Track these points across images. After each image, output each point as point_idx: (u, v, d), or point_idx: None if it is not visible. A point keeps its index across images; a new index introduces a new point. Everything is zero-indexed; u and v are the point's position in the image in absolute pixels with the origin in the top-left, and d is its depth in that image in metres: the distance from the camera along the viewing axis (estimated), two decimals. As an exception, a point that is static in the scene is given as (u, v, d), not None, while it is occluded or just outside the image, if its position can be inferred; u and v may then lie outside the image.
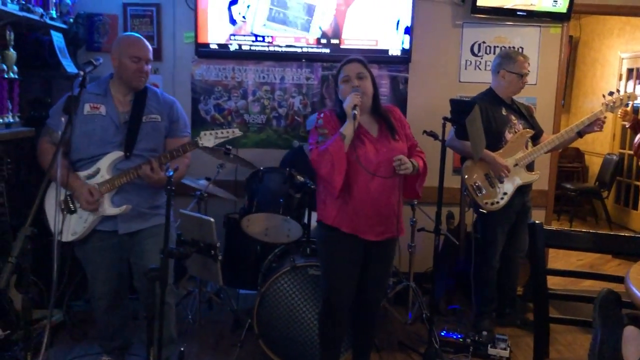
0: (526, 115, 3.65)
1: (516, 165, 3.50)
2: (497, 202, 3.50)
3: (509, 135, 3.53)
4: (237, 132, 2.61)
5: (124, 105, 2.73)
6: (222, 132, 2.59)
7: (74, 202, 2.66)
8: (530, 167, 3.58)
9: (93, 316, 2.99)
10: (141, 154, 2.68)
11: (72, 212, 2.66)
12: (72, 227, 2.66)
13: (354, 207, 2.63)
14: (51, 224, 2.54)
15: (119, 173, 2.63)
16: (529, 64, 3.57)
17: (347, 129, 2.50)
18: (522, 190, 3.58)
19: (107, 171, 2.64)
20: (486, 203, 3.51)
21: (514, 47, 4.31)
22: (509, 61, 3.53)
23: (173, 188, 2.02)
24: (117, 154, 2.65)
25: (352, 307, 2.86)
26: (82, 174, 2.67)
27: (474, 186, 3.51)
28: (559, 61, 4.40)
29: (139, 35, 2.80)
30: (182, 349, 3.28)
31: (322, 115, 2.71)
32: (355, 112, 2.46)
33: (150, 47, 2.75)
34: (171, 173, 2.08)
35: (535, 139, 3.65)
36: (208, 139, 2.59)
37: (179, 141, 2.77)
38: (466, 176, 3.52)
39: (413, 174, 2.64)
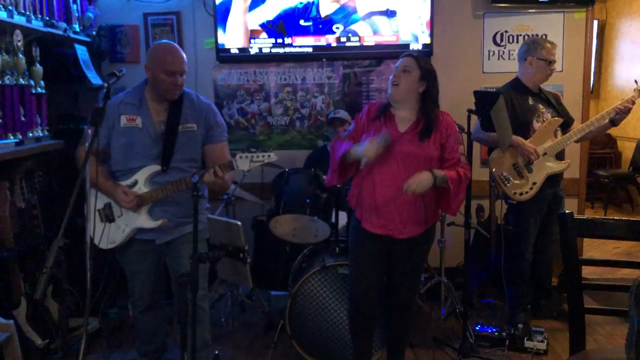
0: (554, 103, 3.57)
1: (545, 154, 3.44)
2: (526, 192, 3.45)
3: (537, 125, 3.47)
4: (273, 157, 2.59)
5: (159, 114, 2.72)
6: (257, 156, 2.56)
7: (113, 211, 2.72)
8: (560, 156, 3.51)
9: (129, 321, 3.10)
10: (178, 166, 2.70)
11: (111, 220, 2.72)
12: (111, 236, 2.72)
13: (368, 197, 2.65)
14: (89, 227, 2.58)
15: (156, 187, 2.66)
16: (556, 51, 3.50)
17: (354, 157, 2.57)
18: (553, 180, 3.51)
19: (145, 184, 2.67)
20: (515, 193, 3.46)
21: (538, 35, 4.24)
22: (536, 47, 3.47)
23: (199, 194, 2.04)
24: (154, 167, 2.67)
25: (384, 305, 2.86)
26: (121, 184, 2.71)
27: (502, 177, 3.46)
28: (585, 46, 4.31)
29: (173, 45, 2.74)
30: (216, 352, 3.30)
31: (366, 106, 2.75)
32: (365, 160, 2.48)
33: (184, 57, 2.70)
34: (196, 179, 2.10)
35: (565, 127, 3.58)
36: (244, 162, 2.56)
37: (217, 147, 2.79)
38: (494, 167, 3.48)
39: (442, 186, 2.56)
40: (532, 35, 4.24)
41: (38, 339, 2.94)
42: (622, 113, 3.41)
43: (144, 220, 2.69)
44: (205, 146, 2.80)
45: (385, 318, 2.95)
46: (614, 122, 3.44)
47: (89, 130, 2.11)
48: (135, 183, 2.67)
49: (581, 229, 1.82)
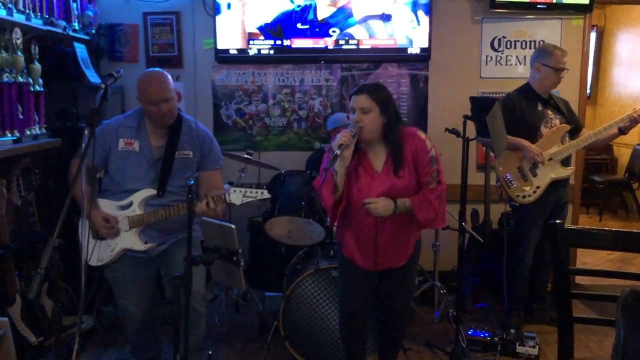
0: (564, 110, 3.60)
1: (550, 159, 3.48)
2: (529, 196, 3.49)
3: (544, 130, 3.51)
4: (266, 195, 2.60)
5: (157, 139, 2.76)
6: (250, 192, 2.57)
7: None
8: (565, 162, 3.54)
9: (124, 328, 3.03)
10: (173, 190, 2.74)
11: (101, 238, 2.74)
12: (100, 254, 2.75)
13: (348, 234, 2.69)
14: (83, 250, 2.58)
15: (150, 209, 2.70)
16: (566, 59, 3.49)
17: (338, 167, 2.50)
18: (558, 185, 3.55)
19: (139, 206, 2.71)
20: (518, 196, 3.51)
21: (535, 41, 4.27)
22: (545, 54, 3.50)
23: (194, 196, 2.05)
24: (150, 191, 2.71)
25: (377, 313, 2.88)
26: (117, 203, 2.74)
27: (506, 179, 3.51)
28: (582, 53, 4.33)
29: (156, 73, 2.72)
30: (209, 352, 3.32)
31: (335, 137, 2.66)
32: (338, 151, 2.43)
33: (167, 83, 2.66)
34: (192, 182, 2.12)
35: (574, 134, 3.61)
36: (237, 196, 2.57)
37: (210, 175, 2.84)
38: (500, 168, 3.53)
39: (404, 213, 2.55)
40: (531, 41, 4.28)
41: (32, 337, 2.95)
42: (634, 122, 3.43)
43: (133, 242, 2.73)
44: (200, 172, 2.82)
45: (378, 323, 2.97)
46: (622, 131, 3.46)
47: (86, 131, 2.11)
48: (130, 204, 2.71)
49: (571, 239, 1.84)
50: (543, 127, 3.50)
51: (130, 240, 2.73)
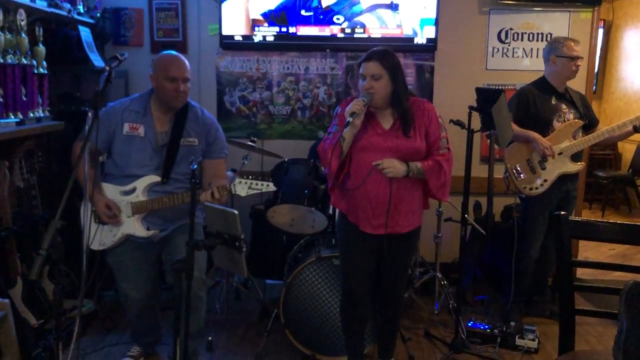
0: (580, 104, 3.57)
1: (561, 154, 3.46)
2: (537, 188, 3.49)
3: (557, 124, 3.49)
4: (272, 187, 2.66)
5: (163, 125, 2.75)
6: (256, 184, 2.61)
7: None
8: (576, 157, 3.52)
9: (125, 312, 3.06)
10: (177, 178, 2.73)
11: (104, 223, 2.74)
12: (102, 238, 2.74)
13: (355, 196, 2.65)
14: (84, 233, 2.60)
15: (154, 196, 2.70)
16: (579, 48, 3.48)
17: (347, 133, 2.52)
18: (566, 179, 3.53)
19: (143, 193, 2.70)
20: (525, 187, 3.51)
21: (542, 33, 4.24)
22: (558, 45, 3.48)
23: (197, 181, 2.05)
24: (154, 178, 2.70)
25: (374, 299, 2.88)
26: (120, 188, 2.74)
27: (514, 170, 3.51)
28: (590, 47, 4.29)
29: (175, 54, 2.78)
30: (210, 338, 3.33)
31: (341, 103, 2.71)
32: (351, 119, 2.46)
33: (187, 65, 2.73)
34: (194, 166, 2.11)
35: (589, 129, 3.59)
36: (242, 187, 2.61)
37: (214, 163, 2.84)
38: (508, 160, 3.53)
39: (416, 176, 2.59)
40: (539, 33, 4.26)
41: (33, 319, 2.95)
42: None
43: (136, 228, 2.73)
44: (204, 161, 2.81)
45: (376, 312, 2.97)
46: (637, 129, 3.42)
47: (90, 113, 2.10)
48: (134, 190, 2.70)
49: (575, 231, 1.83)
50: (556, 121, 3.49)
51: (133, 226, 2.73)
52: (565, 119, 3.49)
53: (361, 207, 2.65)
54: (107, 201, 2.69)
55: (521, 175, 3.51)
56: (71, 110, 3.61)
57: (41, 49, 3.30)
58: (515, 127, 3.42)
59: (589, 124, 3.58)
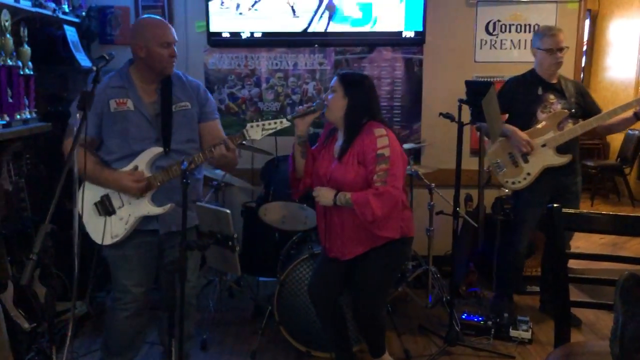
0: (571, 95, 3.45)
1: (544, 145, 3.40)
2: (519, 182, 3.45)
3: (541, 115, 3.42)
4: (286, 123, 2.51)
5: (150, 95, 2.57)
6: (269, 124, 2.48)
7: (112, 202, 2.54)
8: (563, 150, 3.41)
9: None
10: (178, 148, 2.57)
11: (110, 213, 2.53)
12: (114, 230, 2.53)
13: (319, 227, 2.78)
14: (88, 230, 2.51)
15: (159, 171, 2.51)
16: (561, 39, 3.37)
17: (295, 142, 2.73)
18: (557, 173, 3.43)
19: (146, 168, 2.50)
20: (507, 182, 3.49)
21: (530, 25, 4.25)
22: (537, 38, 3.44)
23: (188, 182, 2.02)
24: (156, 149, 2.51)
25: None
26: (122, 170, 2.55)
27: (495, 163, 3.49)
28: (577, 37, 4.31)
29: (159, 17, 2.62)
30: (204, 337, 3.32)
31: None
32: (288, 117, 2.57)
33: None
34: (185, 165, 2.08)
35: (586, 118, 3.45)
36: (255, 131, 2.48)
37: (212, 125, 2.69)
38: (489, 154, 3.51)
39: (345, 206, 2.52)
40: (526, 25, 4.26)
41: (25, 323, 2.92)
42: None
43: (149, 207, 2.51)
44: (201, 124, 2.67)
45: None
46: (638, 116, 3.28)
47: (78, 115, 2.07)
48: (136, 169, 2.50)
49: (568, 223, 1.83)
50: (540, 112, 3.43)
51: (145, 206, 2.51)
52: (551, 110, 3.41)
53: (319, 228, 2.78)
54: (126, 173, 2.47)
55: (502, 169, 3.47)
56: (59, 111, 3.58)
57: (26, 49, 3.26)
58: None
59: (587, 114, 3.44)
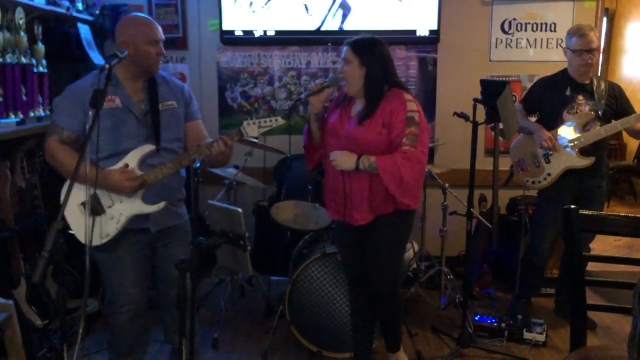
0: (602, 97, 3.34)
1: (567, 147, 3.35)
2: (539, 182, 3.42)
3: (567, 116, 3.35)
4: (280, 121, 2.52)
5: (137, 94, 2.52)
6: (264, 122, 2.48)
7: (101, 202, 2.45)
8: (588, 152, 3.34)
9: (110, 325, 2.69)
10: (167, 146, 2.53)
11: (99, 213, 2.44)
12: (104, 229, 2.45)
13: (324, 182, 2.76)
14: (75, 231, 2.43)
15: (149, 169, 2.45)
16: (591, 39, 3.26)
17: (310, 112, 2.66)
18: (582, 175, 3.36)
19: (137, 166, 2.45)
20: (527, 181, 3.47)
21: (547, 23, 4.18)
22: (568, 38, 3.36)
23: (200, 180, 2.01)
24: (148, 147, 2.46)
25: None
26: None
27: (517, 162, 3.49)
28: (594, 36, 4.24)
29: (145, 15, 2.62)
30: (215, 336, 3.32)
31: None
32: (302, 96, 2.60)
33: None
34: (198, 164, 2.07)
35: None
36: (252, 128, 2.47)
37: (196, 124, 2.68)
38: (512, 152, 3.50)
39: (370, 171, 2.48)
40: (542, 23, 4.20)
41: (37, 320, 2.94)
42: None
43: (141, 205, 2.46)
44: (186, 123, 2.65)
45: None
46: None
47: (90, 113, 2.07)
48: (126, 167, 2.43)
49: (585, 225, 1.79)
50: (566, 112, 3.35)
51: (138, 204, 2.46)
52: (578, 111, 3.34)
53: (326, 193, 2.74)
54: (117, 170, 2.41)
55: (525, 168, 3.46)
56: (72, 108, 3.57)
57: (40, 47, 3.28)
58: (521, 118, 3.38)
59: (620, 116, 3.32)
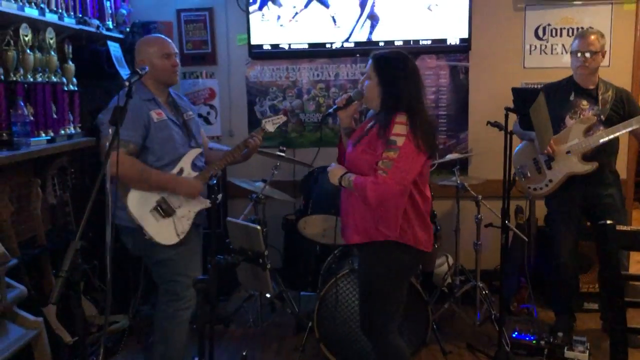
0: (608, 102, 3.26)
1: (569, 152, 3.25)
2: (541, 189, 3.36)
3: (570, 121, 3.30)
4: (283, 118, 3.04)
5: (168, 107, 2.82)
6: (275, 119, 3.00)
7: (170, 204, 2.67)
8: (591, 157, 3.24)
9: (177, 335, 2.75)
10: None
11: (171, 214, 2.68)
12: (178, 227, 2.69)
13: None
14: (155, 236, 2.62)
15: (198, 171, 2.76)
16: (590, 42, 3.20)
17: (340, 126, 2.62)
18: (589, 182, 3.27)
19: (191, 169, 2.75)
20: (529, 188, 3.40)
21: (583, 27, 4.03)
22: (572, 41, 3.33)
23: (218, 200, 1.99)
24: (197, 150, 2.79)
25: None
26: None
27: (519, 169, 3.42)
28: (635, 40, 4.07)
29: (159, 34, 2.96)
30: (244, 353, 3.27)
31: None
32: (331, 110, 2.55)
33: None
34: (214, 181, 2.06)
35: None
36: (270, 125, 2.97)
37: (202, 132, 3.03)
38: (514, 159, 3.40)
39: (347, 188, 2.37)
40: (579, 28, 4.05)
41: (67, 336, 2.95)
42: None
43: (202, 201, 2.73)
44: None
45: None
46: None
47: (110, 130, 2.07)
48: (182, 171, 2.73)
49: (624, 242, 1.66)
50: (569, 118, 3.29)
51: (199, 201, 2.74)
52: (580, 116, 3.26)
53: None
54: (191, 179, 2.73)
55: (527, 175, 3.39)
56: (102, 125, 3.62)
57: (70, 66, 3.33)
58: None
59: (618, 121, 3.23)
